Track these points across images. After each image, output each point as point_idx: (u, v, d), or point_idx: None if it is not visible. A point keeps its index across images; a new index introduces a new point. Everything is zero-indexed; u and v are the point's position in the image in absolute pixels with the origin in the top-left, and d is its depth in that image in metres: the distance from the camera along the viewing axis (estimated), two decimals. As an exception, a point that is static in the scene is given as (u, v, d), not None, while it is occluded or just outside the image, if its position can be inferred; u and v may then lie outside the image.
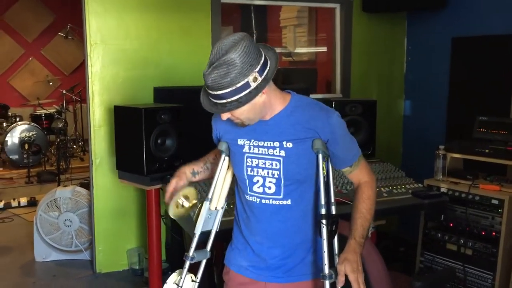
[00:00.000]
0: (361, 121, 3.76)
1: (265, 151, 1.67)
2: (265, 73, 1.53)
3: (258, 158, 1.69)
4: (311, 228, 1.72)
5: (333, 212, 1.67)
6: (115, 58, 3.79)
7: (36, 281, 3.91)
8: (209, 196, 1.80)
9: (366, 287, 2.06)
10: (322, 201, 1.64)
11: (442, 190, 3.27)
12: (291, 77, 5.32)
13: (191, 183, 1.89)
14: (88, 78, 3.74)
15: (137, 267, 3.96)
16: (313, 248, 1.73)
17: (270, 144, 1.67)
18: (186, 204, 1.79)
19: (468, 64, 4.15)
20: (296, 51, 5.86)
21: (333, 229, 1.64)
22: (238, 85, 1.48)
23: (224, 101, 1.51)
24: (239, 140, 1.73)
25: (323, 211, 1.64)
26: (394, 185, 3.22)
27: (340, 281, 1.60)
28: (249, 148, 1.70)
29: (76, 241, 4.23)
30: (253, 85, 1.50)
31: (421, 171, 3.56)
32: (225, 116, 1.59)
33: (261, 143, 1.68)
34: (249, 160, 1.70)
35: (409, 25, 4.71)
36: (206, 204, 1.80)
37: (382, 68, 4.75)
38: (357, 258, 1.62)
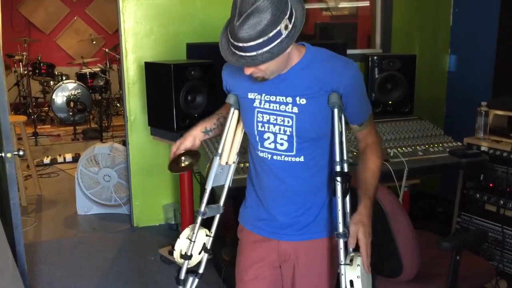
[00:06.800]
0: (400, 77, 3.61)
1: (276, 106, 1.60)
2: (293, 20, 1.42)
3: (270, 114, 1.62)
4: (324, 186, 1.67)
5: (346, 170, 1.60)
6: (147, 13, 3.76)
7: (78, 233, 4.09)
8: (219, 151, 1.76)
9: (391, 246, 2.03)
10: (337, 158, 1.57)
11: (483, 149, 3.11)
12: (330, 32, 5.16)
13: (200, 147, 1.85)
14: (121, 35, 3.74)
15: (172, 222, 4.05)
16: (326, 206, 1.69)
17: (282, 99, 1.59)
18: (186, 163, 1.77)
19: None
20: (336, 5, 5.64)
21: (347, 187, 1.58)
22: (271, 34, 1.37)
23: (254, 53, 1.40)
24: (249, 94, 1.66)
25: (337, 169, 1.57)
26: (431, 143, 3.10)
27: (352, 244, 1.56)
28: (260, 103, 1.63)
29: (115, 195, 4.36)
30: (285, 33, 1.40)
31: (465, 130, 3.40)
32: (249, 70, 1.49)
33: (272, 98, 1.60)
34: (259, 115, 1.64)
35: (456, -27, 4.42)
36: (216, 159, 1.76)
37: (426, 21, 4.50)
38: (370, 221, 1.57)
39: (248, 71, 1.50)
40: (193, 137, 1.82)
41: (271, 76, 1.55)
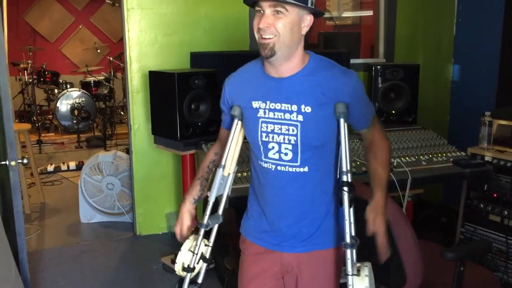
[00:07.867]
0: (403, 87, 3.62)
1: (281, 115, 1.60)
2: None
3: (274, 123, 1.62)
4: (327, 196, 1.68)
5: (350, 180, 1.60)
6: (152, 23, 3.78)
7: (80, 241, 4.08)
8: (222, 162, 1.77)
9: (395, 256, 2.02)
10: (344, 168, 1.58)
11: (487, 158, 3.11)
12: (334, 42, 5.17)
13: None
14: (125, 44, 3.76)
15: (175, 231, 4.03)
16: (329, 216, 1.69)
17: (287, 107, 1.59)
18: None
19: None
20: (340, 15, 5.66)
21: (352, 197, 1.58)
22: None
23: None
24: (253, 102, 1.66)
25: (344, 178, 1.58)
26: (434, 153, 3.10)
27: (371, 231, 1.62)
28: (264, 113, 1.63)
29: (118, 204, 4.36)
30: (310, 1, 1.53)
31: (469, 140, 3.39)
32: (266, 21, 1.50)
33: (277, 106, 1.61)
34: (264, 125, 1.64)
35: (460, -16, 4.43)
36: (219, 171, 1.77)
37: (429, 31, 4.51)
38: (386, 210, 1.63)
39: (264, 21, 1.51)
40: (189, 213, 1.86)
41: (280, 46, 1.53)
